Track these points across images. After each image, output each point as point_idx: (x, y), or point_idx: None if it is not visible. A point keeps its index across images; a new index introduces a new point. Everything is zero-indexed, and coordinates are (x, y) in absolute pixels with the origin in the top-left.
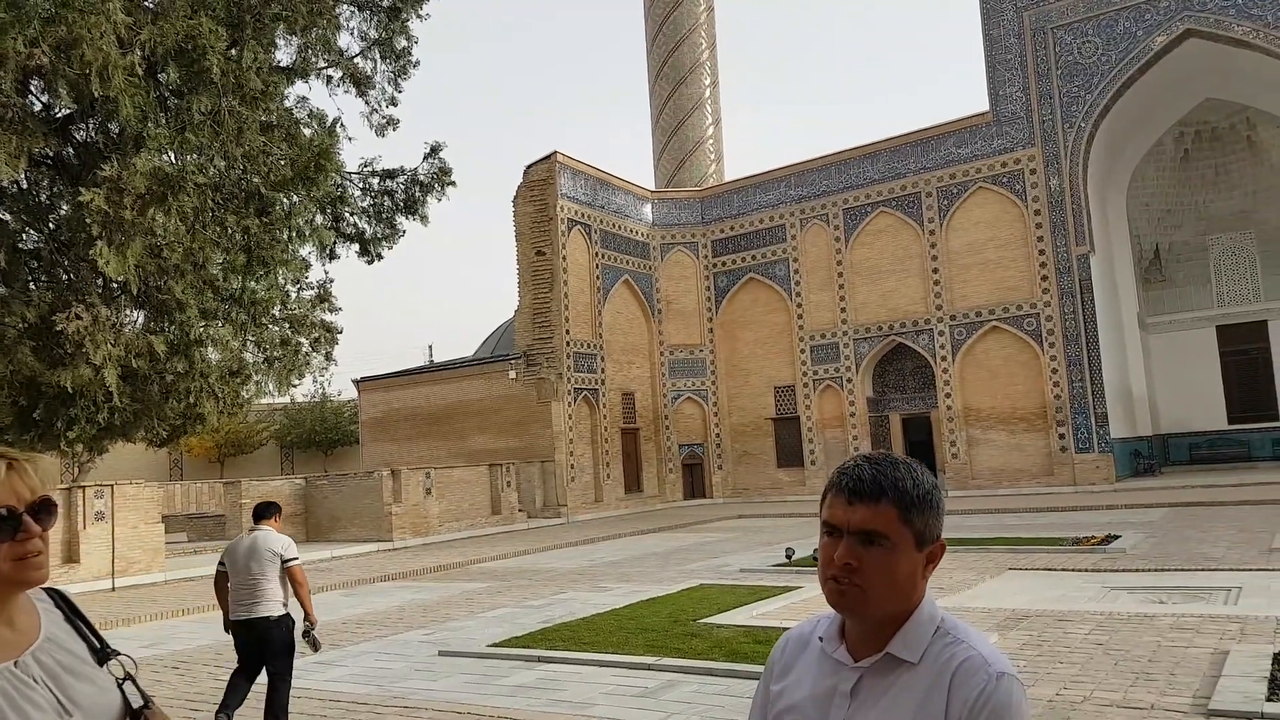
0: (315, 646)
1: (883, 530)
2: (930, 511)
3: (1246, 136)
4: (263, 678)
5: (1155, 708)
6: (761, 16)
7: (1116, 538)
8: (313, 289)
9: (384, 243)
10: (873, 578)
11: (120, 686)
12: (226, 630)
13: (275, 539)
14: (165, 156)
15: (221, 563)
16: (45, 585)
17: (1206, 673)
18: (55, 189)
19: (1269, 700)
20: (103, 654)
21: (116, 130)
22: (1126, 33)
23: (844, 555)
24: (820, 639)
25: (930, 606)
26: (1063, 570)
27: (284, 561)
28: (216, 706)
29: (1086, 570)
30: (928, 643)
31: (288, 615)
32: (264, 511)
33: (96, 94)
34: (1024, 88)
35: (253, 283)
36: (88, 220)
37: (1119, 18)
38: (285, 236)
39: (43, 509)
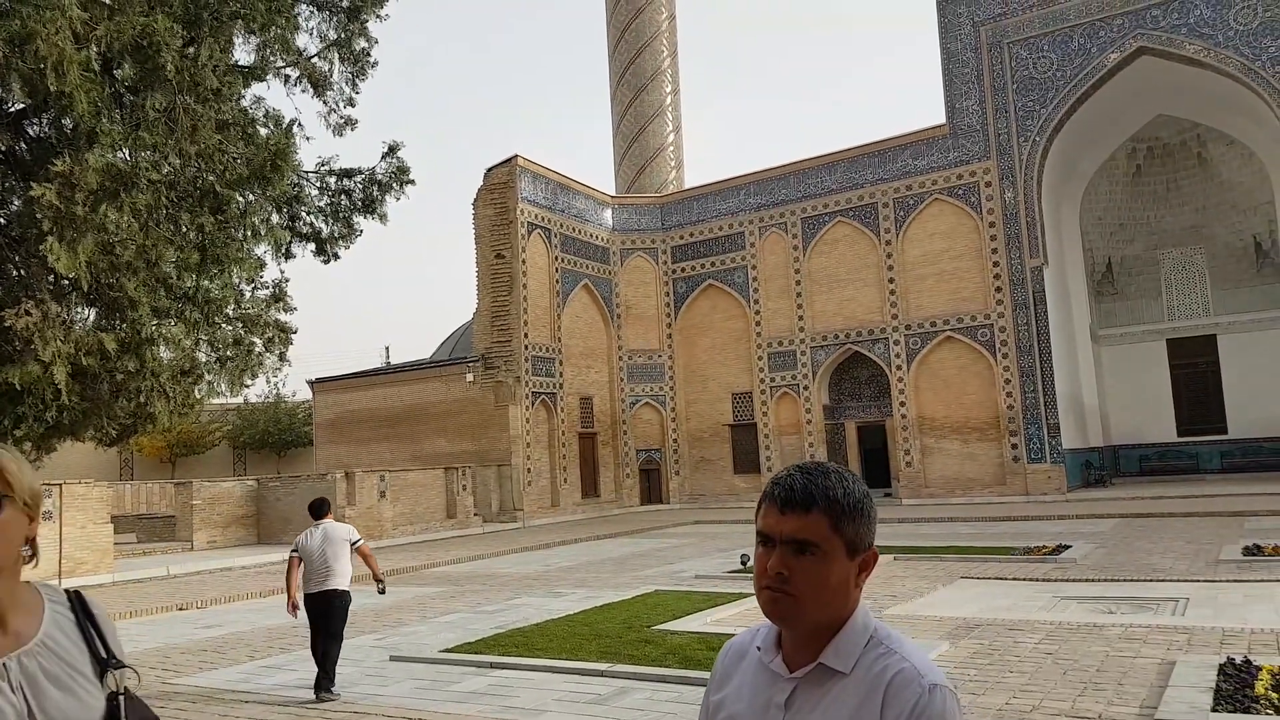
0: (382, 592)
1: (814, 539)
2: (861, 520)
3: (1197, 153)
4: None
5: (1103, 718)
6: (723, 26)
7: (1067, 548)
8: (267, 289)
9: (341, 242)
10: (805, 587)
11: (116, 700)
12: (290, 610)
13: (341, 528)
14: (119, 153)
15: (294, 550)
16: (72, 587)
17: (1154, 683)
18: (7, 184)
19: (1214, 710)
20: (107, 664)
21: (71, 126)
22: (1081, 49)
23: (776, 565)
24: (758, 649)
25: (864, 616)
26: (1014, 579)
27: (353, 543)
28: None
29: (1037, 580)
30: (860, 652)
31: (349, 592)
32: (322, 508)
33: (51, 89)
34: (980, 101)
35: (206, 281)
36: (39, 215)
37: (1073, 34)
38: (240, 235)
39: None
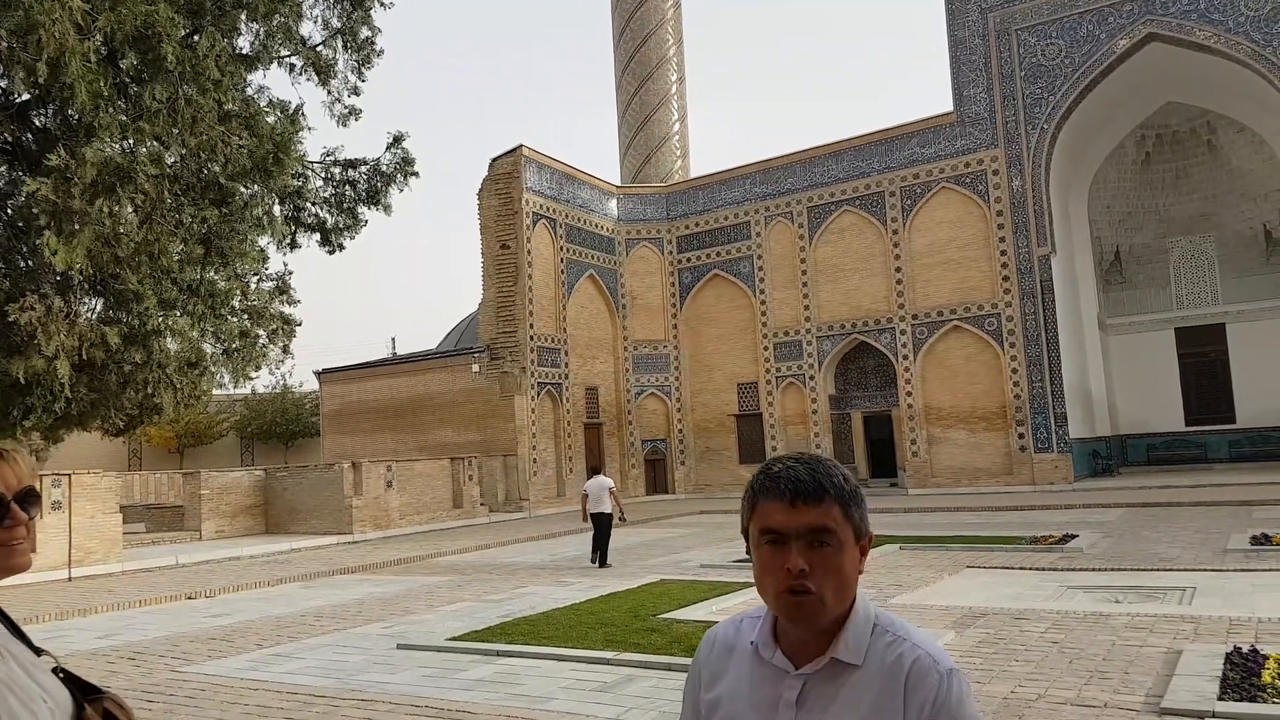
0: (623, 520)
1: (831, 527)
2: (863, 505)
3: (1207, 140)
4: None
5: (1109, 706)
6: (729, 13)
7: (1074, 537)
8: (272, 280)
9: (346, 233)
10: (826, 580)
11: (59, 672)
12: (585, 520)
13: (606, 480)
14: (121, 145)
15: (585, 491)
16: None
17: (1160, 672)
18: (13, 175)
19: (1220, 699)
20: (39, 651)
21: (76, 118)
22: (1089, 35)
23: (798, 562)
24: (753, 643)
25: (864, 604)
26: (1020, 569)
27: (610, 489)
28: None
29: (1044, 569)
30: (868, 642)
31: (611, 515)
32: (598, 469)
33: (53, 80)
34: (988, 89)
35: (211, 274)
36: (35, 210)
37: (1082, 20)
38: (244, 227)
39: (28, 498)
